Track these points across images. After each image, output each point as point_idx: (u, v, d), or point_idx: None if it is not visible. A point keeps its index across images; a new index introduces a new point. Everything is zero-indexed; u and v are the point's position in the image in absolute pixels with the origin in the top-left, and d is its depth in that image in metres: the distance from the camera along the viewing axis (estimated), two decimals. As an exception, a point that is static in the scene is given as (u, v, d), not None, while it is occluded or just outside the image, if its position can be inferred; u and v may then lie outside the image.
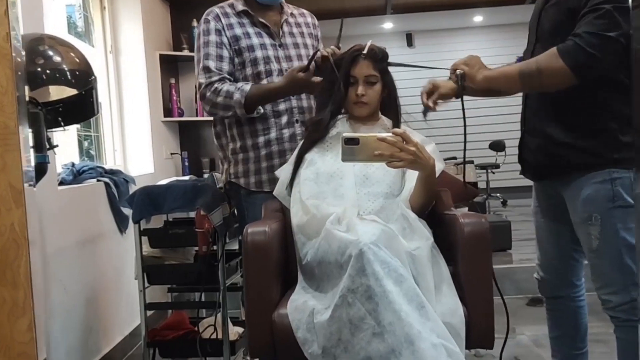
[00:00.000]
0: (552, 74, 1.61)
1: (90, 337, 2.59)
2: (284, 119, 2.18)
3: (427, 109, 1.90)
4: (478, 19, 8.16)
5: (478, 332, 1.70)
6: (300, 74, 2.00)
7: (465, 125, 1.79)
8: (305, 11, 2.37)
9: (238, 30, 2.17)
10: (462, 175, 2.21)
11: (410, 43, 8.54)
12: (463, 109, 1.77)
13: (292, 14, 2.30)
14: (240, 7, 2.20)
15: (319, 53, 2.01)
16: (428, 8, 7.42)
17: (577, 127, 1.69)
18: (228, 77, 2.14)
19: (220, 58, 2.14)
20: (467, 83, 1.75)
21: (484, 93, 1.95)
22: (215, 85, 2.10)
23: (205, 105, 2.16)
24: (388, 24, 8.14)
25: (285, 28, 2.25)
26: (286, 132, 2.18)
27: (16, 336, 0.89)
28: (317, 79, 1.99)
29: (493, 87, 1.77)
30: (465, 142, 1.81)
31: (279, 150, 2.18)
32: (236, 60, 2.17)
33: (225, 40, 2.16)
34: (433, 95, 1.90)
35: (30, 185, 0.97)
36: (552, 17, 1.71)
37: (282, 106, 2.18)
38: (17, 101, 0.89)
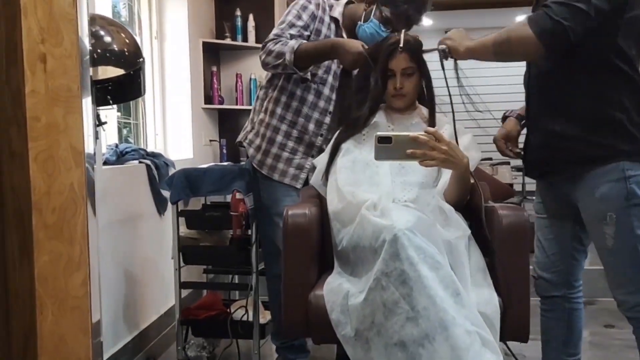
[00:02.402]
0: (521, 42, 1.63)
1: (127, 313, 2.65)
2: (312, 126, 2.26)
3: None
4: (520, 18, 8.03)
5: (513, 324, 1.70)
6: (362, 43, 2.04)
7: (451, 102, 1.84)
8: None
9: (324, 29, 2.24)
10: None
11: (449, 41, 8.47)
12: (447, 82, 1.82)
13: None
14: (336, 13, 2.26)
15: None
16: (469, 6, 7.35)
17: (582, 119, 1.66)
18: None
19: (300, 35, 2.18)
20: (451, 56, 1.79)
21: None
22: (279, 39, 2.15)
23: (262, 55, 2.18)
24: (427, 21, 8.09)
25: None
26: (307, 140, 2.27)
27: (71, 290, 0.93)
28: (362, 47, 2.01)
29: (475, 58, 1.79)
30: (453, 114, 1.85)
31: (292, 147, 2.27)
32: None
33: (312, 26, 2.21)
34: (509, 142, 1.96)
35: (89, 159, 1.01)
36: None
37: (315, 115, 2.26)
38: (80, 65, 0.93)
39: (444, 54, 1.80)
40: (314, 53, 2.12)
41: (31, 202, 0.92)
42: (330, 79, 2.27)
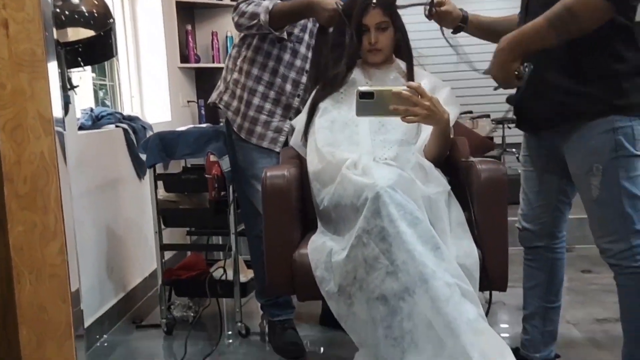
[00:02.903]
0: (587, 11, 1.50)
1: (111, 277, 2.66)
2: (289, 87, 2.23)
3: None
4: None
5: (492, 274, 1.73)
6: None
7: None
8: None
9: None
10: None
11: None
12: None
13: None
14: None
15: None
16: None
17: (578, 72, 1.64)
18: None
19: None
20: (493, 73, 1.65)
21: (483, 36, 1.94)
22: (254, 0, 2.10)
23: (235, 16, 2.14)
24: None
25: None
26: (284, 101, 2.24)
27: (48, 259, 0.93)
28: (336, 5, 1.97)
29: (520, 51, 1.61)
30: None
31: (269, 109, 2.24)
32: None
33: None
34: (439, 6, 1.90)
35: (58, 124, 0.99)
36: None
37: (292, 75, 2.22)
38: (44, 28, 0.90)
39: (529, 73, 1.63)
40: (289, 12, 2.07)
41: (1, 172, 0.90)
42: (306, 37, 2.23)
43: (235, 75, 2.27)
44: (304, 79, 2.24)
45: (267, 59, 2.21)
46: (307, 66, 2.24)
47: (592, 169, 1.66)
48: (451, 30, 1.97)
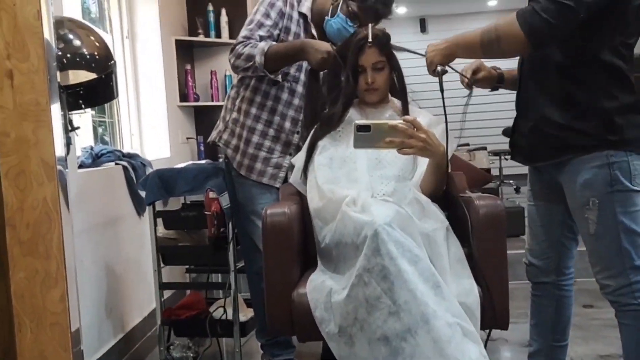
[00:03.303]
0: (509, 39, 1.61)
1: (110, 317, 2.64)
2: (288, 124, 2.26)
3: (470, 93, 1.90)
4: (492, 3, 8.09)
5: (493, 312, 1.72)
6: (325, 43, 2.04)
7: (445, 114, 1.81)
8: None
9: (293, 27, 2.22)
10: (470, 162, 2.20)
11: (423, 29, 8.50)
12: (444, 103, 1.79)
13: None
14: (304, 9, 2.24)
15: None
16: (442, -8, 7.38)
17: (572, 108, 1.67)
18: None
19: (269, 35, 2.16)
20: (435, 62, 1.77)
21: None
22: (248, 42, 2.13)
23: (231, 58, 2.16)
24: (402, 9, 8.10)
25: None
26: (283, 138, 2.27)
27: (49, 306, 0.92)
28: (330, 48, 2.01)
29: (459, 57, 1.76)
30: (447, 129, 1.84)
31: (269, 146, 2.27)
32: None
33: (281, 24, 2.19)
34: (475, 74, 1.91)
35: (61, 163, 1.00)
36: None
37: (290, 113, 2.26)
38: (48, 79, 0.92)
39: (442, 75, 1.78)
40: (284, 55, 2.11)
41: (4, 218, 0.91)
42: (302, 76, 2.26)
43: (234, 114, 2.30)
44: (301, 116, 2.27)
45: (265, 99, 2.24)
46: None
47: (588, 203, 1.67)
48: (489, 89, 2.00)
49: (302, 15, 2.24)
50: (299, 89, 2.26)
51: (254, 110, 2.25)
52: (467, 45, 1.73)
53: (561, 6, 1.52)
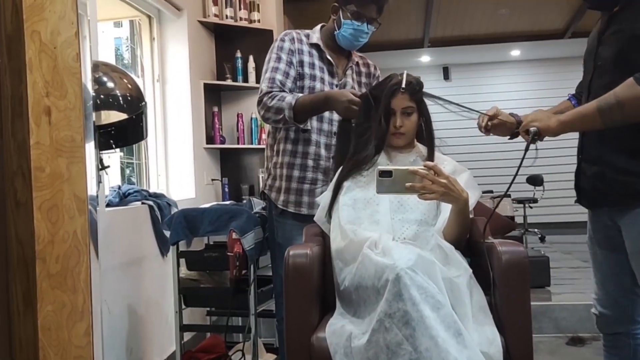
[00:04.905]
0: (635, 104, 1.59)
1: (130, 358, 2.63)
2: (323, 151, 2.31)
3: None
4: (515, 53, 8.17)
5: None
6: (352, 90, 2.11)
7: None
8: (370, 62, 2.50)
9: (306, 58, 2.31)
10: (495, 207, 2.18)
11: (446, 76, 8.59)
12: (522, 158, 1.79)
13: (357, 63, 2.44)
14: (314, 39, 2.34)
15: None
16: (465, 42, 7.48)
17: (637, 154, 1.67)
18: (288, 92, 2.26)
19: (286, 75, 2.26)
20: (543, 134, 1.77)
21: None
22: (274, 93, 2.21)
23: (260, 110, 2.25)
24: (425, 57, 8.23)
25: (348, 72, 2.40)
26: (322, 165, 2.31)
27: (74, 340, 0.94)
28: (357, 101, 2.06)
29: (571, 131, 1.75)
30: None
31: (312, 177, 2.30)
32: (297, 83, 2.29)
33: (294, 60, 2.28)
34: (492, 119, 1.91)
35: (92, 201, 1.03)
36: (613, 45, 1.70)
37: (323, 140, 2.31)
38: (84, 117, 0.95)
39: (535, 137, 1.79)
40: (310, 107, 2.19)
41: (35, 251, 0.93)
42: None
43: (274, 159, 2.37)
44: (334, 141, 2.30)
45: (296, 133, 2.30)
46: (334, 128, 2.31)
47: None
48: (508, 137, 1.99)
49: (314, 46, 2.32)
50: (326, 114, 2.31)
51: (289, 147, 2.31)
52: (581, 117, 1.71)
53: None
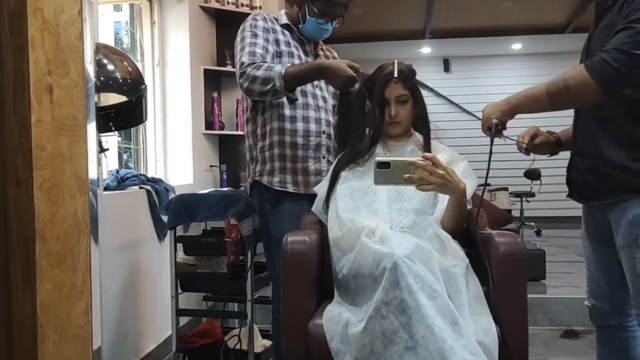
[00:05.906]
0: (580, 89, 1.64)
1: (126, 341, 2.64)
2: (313, 126, 2.24)
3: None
4: (517, 46, 8.15)
5: (512, 354, 1.69)
6: (347, 61, 2.03)
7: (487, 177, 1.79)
8: (336, 54, 2.45)
9: (281, 37, 2.26)
10: (486, 200, 2.17)
11: (447, 68, 8.57)
12: (490, 152, 1.78)
13: (323, 49, 2.41)
14: (284, 20, 2.30)
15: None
16: (466, 34, 7.46)
17: (632, 149, 1.67)
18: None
19: (266, 50, 2.17)
20: (502, 122, 1.76)
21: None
22: (259, 64, 2.11)
23: (245, 82, 2.10)
24: (426, 49, 8.20)
25: (320, 52, 2.38)
26: (313, 141, 2.23)
27: (73, 319, 0.94)
28: (355, 77, 2.01)
29: (522, 112, 1.76)
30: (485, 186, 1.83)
31: (303, 155, 2.22)
32: (275, 60, 2.21)
33: (270, 38, 2.22)
34: (533, 139, 1.90)
35: (92, 182, 1.02)
36: (601, 41, 1.70)
37: (312, 114, 2.24)
38: (86, 95, 0.95)
39: (498, 127, 1.77)
40: (301, 76, 2.10)
41: (35, 229, 0.93)
42: None
43: (260, 144, 2.26)
44: (322, 114, 2.26)
45: (282, 109, 2.21)
46: (320, 102, 2.27)
47: (636, 240, 1.65)
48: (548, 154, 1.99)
49: (285, 26, 2.28)
50: (308, 87, 2.25)
51: (275, 125, 2.21)
52: (531, 99, 1.74)
53: (631, 57, 1.57)
